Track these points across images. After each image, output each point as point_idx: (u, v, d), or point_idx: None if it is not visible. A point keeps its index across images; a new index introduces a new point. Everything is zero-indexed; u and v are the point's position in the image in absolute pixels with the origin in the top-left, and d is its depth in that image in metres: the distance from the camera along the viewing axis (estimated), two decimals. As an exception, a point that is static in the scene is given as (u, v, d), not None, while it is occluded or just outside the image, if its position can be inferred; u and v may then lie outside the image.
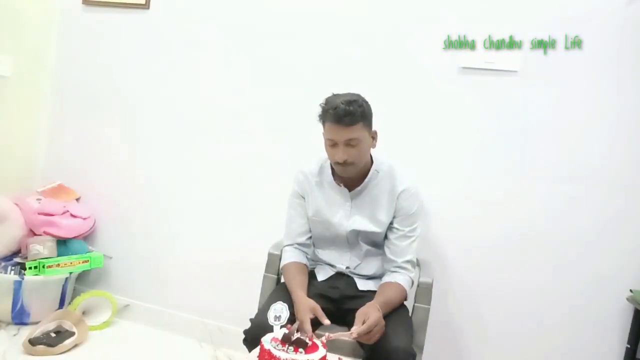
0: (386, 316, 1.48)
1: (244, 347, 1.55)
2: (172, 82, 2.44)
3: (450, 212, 2.05)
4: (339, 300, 1.70)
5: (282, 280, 1.77)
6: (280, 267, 1.79)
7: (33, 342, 2.08)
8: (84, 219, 2.49)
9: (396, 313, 1.58)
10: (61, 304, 2.41)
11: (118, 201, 2.57)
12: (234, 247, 2.35)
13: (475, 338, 2.06)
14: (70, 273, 2.37)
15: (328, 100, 1.60)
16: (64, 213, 2.44)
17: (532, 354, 1.99)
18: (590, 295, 1.91)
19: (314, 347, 1.22)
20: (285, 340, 1.21)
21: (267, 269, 1.86)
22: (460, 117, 2.03)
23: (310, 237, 1.79)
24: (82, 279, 2.57)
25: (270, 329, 1.28)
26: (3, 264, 2.32)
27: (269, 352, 1.17)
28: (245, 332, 1.54)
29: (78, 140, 2.63)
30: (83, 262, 2.39)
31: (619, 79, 1.86)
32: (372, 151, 1.72)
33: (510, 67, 1.94)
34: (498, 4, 1.96)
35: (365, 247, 1.74)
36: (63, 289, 2.40)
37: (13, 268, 2.30)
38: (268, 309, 1.31)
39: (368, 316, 1.41)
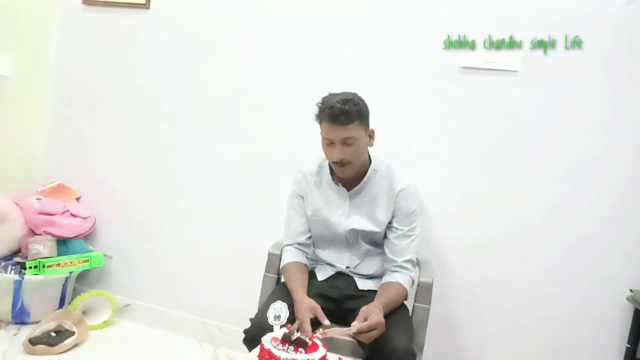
0: (386, 316, 1.47)
1: (244, 346, 1.55)
2: (172, 82, 2.44)
3: (450, 211, 2.05)
4: (339, 300, 1.70)
5: (282, 280, 1.77)
6: (280, 266, 1.79)
7: (33, 341, 2.08)
8: (84, 218, 2.49)
9: (396, 313, 1.58)
10: (61, 303, 2.41)
11: (118, 201, 2.57)
12: (234, 247, 2.35)
13: (475, 338, 2.06)
14: (71, 273, 2.38)
15: (324, 100, 1.61)
16: (64, 213, 2.44)
17: (532, 353, 1.99)
18: (590, 295, 1.91)
19: (314, 347, 1.22)
20: (285, 339, 1.21)
21: (267, 268, 1.86)
22: (460, 117, 2.03)
23: (310, 237, 1.79)
24: (82, 279, 2.57)
25: (270, 328, 1.28)
26: (3, 263, 2.32)
27: (269, 352, 1.17)
28: (245, 331, 1.54)
29: (78, 140, 2.63)
30: (83, 262, 2.39)
31: (619, 79, 1.86)
32: (371, 151, 1.72)
33: (510, 67, 1.94)
34: (498, 4, 1.96)
35: (365, 246, 1.74)
36: (63, 288, 2.40)
37: (13, 268, 2.30)
38: (268, 308, 1.31)
39: (371, 315, 1.41)
